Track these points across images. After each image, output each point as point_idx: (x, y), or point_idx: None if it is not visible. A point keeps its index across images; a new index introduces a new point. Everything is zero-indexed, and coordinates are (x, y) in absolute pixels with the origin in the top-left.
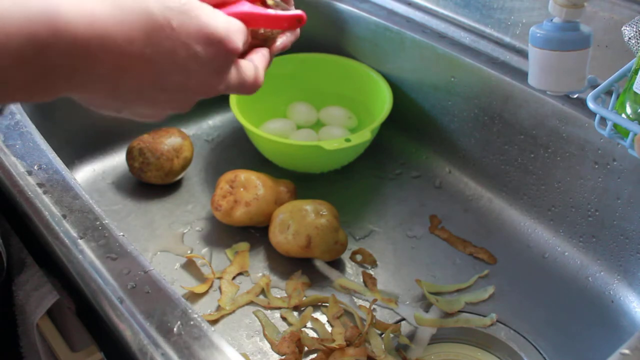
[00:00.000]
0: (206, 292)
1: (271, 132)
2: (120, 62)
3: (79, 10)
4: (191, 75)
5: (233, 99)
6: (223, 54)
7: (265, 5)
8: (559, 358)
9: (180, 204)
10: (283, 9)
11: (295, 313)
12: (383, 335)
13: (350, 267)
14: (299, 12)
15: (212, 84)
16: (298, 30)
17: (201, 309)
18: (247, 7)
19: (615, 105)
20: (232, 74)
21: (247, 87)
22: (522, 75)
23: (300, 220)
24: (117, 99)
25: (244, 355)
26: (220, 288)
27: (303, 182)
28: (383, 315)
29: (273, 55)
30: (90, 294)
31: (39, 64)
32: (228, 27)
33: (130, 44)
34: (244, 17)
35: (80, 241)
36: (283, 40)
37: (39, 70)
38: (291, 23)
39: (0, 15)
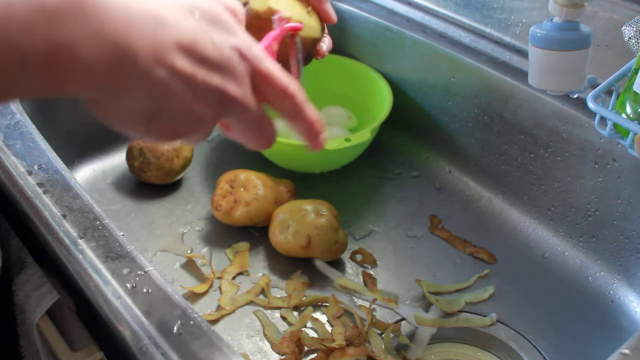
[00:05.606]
0: (206, 292)
1: None
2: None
3: None
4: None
5: None
6: None
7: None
8: (559, 358)
9: (180, 203)
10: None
11: (295, 313)
12: (383, 335)
13: (350, 267)
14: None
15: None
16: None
17: (201, 309)
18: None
19: (615, 105)
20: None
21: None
22: (522, 75)
23: (300, 220)
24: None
25: (244, 355)
26: (220, 288)
27: (303, 182)
28: (383, 315)
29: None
30: (90, 294)
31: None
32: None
33: None
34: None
35: (80, 241)
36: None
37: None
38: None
39: None
